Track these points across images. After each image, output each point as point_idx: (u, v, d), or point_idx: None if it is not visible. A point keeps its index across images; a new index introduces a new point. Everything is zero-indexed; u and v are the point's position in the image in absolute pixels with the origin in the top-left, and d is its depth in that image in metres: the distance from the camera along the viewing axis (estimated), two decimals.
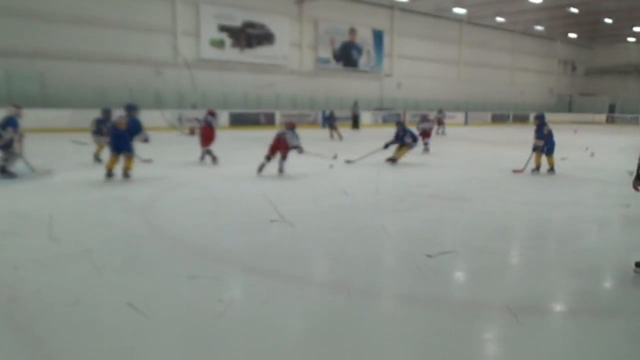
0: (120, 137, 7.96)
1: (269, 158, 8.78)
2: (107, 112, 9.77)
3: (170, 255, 4.43)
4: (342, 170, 9.74)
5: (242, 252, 4.53)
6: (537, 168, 9.66)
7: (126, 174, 8.05)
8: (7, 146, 7.78)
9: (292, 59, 27.09)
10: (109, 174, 7.96)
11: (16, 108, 8.09)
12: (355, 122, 24.17)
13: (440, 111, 22.23)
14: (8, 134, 7.69)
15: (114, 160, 7.98)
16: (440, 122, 21.41)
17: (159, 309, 3.21)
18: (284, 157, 8.80)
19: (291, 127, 9.04)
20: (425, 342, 2.93)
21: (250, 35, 25.21)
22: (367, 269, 4.27)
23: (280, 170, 8.78)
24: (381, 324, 3.19)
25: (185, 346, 2.83)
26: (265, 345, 2.84)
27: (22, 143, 8.02)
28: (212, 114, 10.36)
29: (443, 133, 21.11)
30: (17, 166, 7.96)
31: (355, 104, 25.10)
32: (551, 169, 9.61)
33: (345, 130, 19.58)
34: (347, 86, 28.90)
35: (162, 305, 3.32)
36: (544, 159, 9.65)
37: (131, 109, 8.71)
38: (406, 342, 2.97)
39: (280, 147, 8.76)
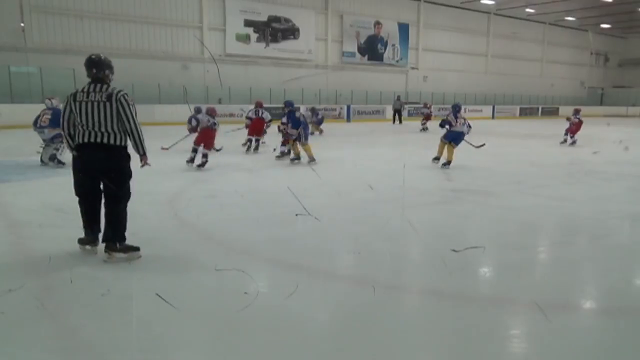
0: None
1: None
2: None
3: (197, 248, 4.49)
4: (367, 164, 9.70)
5: (268, 245, 4.57)
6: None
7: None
8: (55, 138, 8.30)
9: (317, 53, 27.04)
10: None
11: None
12: (398, 117, 23.12)
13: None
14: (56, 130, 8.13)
15: None
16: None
17: (186, 300, 3.27)
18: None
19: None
20: (451, 338, 2.90)
21: (275, 30, 25.26)
22: (392, 263, 4.26)
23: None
24: (406, 319, 3.18)
25: (212, 337, 2.89)
26: (290, 337, 2.86)
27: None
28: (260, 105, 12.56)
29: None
30: (66, 157, 8.33)
31: (399, 98, 24.70)
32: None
33: (385, 124, 19.10)
34: (372, 80, 28.68)
35: (189, 296, 3.38)
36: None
37: None
38: (432, 338, 2.95)
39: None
